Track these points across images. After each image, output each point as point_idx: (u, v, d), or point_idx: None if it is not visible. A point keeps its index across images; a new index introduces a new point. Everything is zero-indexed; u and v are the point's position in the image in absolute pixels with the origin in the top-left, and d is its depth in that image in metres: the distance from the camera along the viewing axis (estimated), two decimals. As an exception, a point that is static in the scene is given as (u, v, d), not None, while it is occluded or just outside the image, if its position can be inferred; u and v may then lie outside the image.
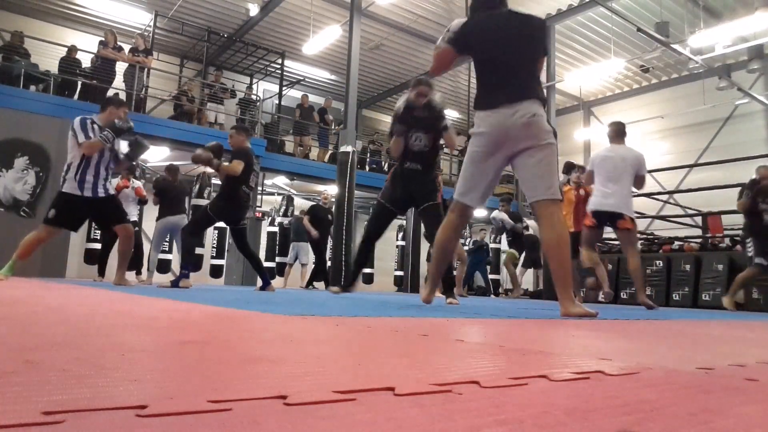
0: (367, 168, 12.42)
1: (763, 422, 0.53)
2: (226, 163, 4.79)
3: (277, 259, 11.04)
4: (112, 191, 4.52)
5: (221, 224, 9.91)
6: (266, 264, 11.02)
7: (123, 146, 4.72)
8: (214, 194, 11.03)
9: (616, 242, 8.51)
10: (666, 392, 0.64)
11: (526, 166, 2.53)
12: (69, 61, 9.07)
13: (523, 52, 2.62)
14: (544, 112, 2.57)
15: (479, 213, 8.81)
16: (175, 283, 4.78)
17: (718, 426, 0.49)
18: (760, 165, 5.62)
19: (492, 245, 11.41)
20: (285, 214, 11.09)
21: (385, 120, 16.61)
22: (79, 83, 8.96)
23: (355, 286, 4.58)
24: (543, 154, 2.51)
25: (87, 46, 10.12)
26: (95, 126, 4.29)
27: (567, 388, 0.64)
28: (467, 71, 13.63)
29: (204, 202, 9.42)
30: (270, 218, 11.43)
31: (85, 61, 9.61)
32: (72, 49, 9.17)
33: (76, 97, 8.79)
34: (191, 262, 5.11)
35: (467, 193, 2.68)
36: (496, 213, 8.35)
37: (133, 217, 6.86)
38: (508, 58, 2.59)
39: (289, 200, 11.32)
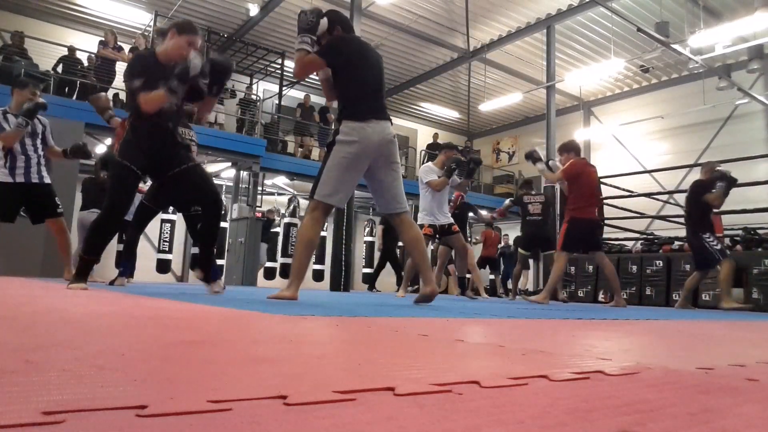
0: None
1: (763, 422, 0.53)
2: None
3: (281, 260, 11.06)
4: (47, 180, 4.35)
5: (221, 224, 9.98)
6: (269, 264, 11.06)
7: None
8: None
9: (616, 242, 8.53)
10: (666, 392, 0.64)
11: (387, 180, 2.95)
12: (70, 61, 9.08)
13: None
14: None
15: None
16: (112, 281, 4.69)
17: (718, 426, 0.49)
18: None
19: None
20: (293, 215, 11.09)
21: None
22: (78, 82, 8.97)
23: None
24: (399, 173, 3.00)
25: (87, 46, 10.12)
26: (8, 116, 4.21)
27: (567, 388, 0.64)
28: (467, 71, 13.64)
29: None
30: (271, 220, 11.42)
31: (84, 60, 9.62)
32: (72, 49, 9.17)
33: (75, 97, 8.80)
34: (129, 259, 4.76)
35: (335, 194, 2.87)
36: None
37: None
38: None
39: (293, 201, 11.32)
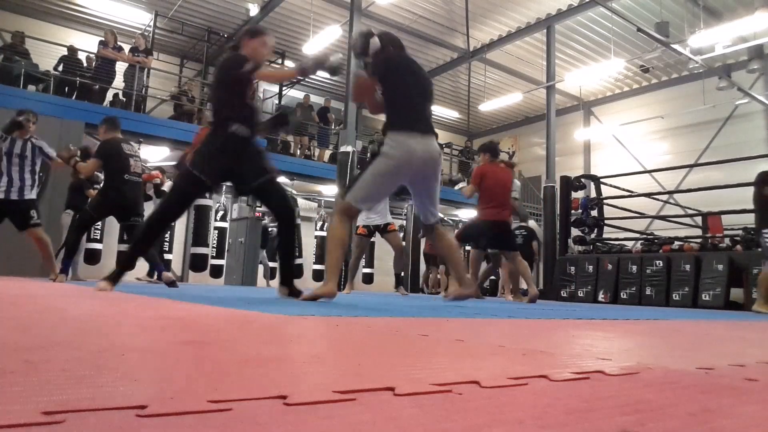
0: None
1: (763, 422, 0.53)
2: (81, 163, 4.78)
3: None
4: (28, 196, 4.76)
5: (221, 224, 10.00)
6: (270, 264, 11.06)
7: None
8: (215, 194, 11.07)
9: (616, 242, 8.53)
10: (666, 392, 0.64)
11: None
12: (70, 61, 9.07)
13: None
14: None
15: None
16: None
17: (718, 426, 0.49)
18: None
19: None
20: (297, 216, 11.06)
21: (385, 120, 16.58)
22: (78, 82, 8.97)
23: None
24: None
25: (87, 46, 10.12)
26: None
27: (567, 388, 0.64)
28: (467, 71, 13.63)
29: (206, 201, 9.44)
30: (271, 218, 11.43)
31: (83, 60, 9.61)
32: (72, 49, 9.17)
33: (74, 96, 8.80)
34: (71, 257, 4.93)
35: (366, 200, 2.99)
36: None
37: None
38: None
39: (294, 202, 11.33)
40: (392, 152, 2.84)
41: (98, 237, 7.92)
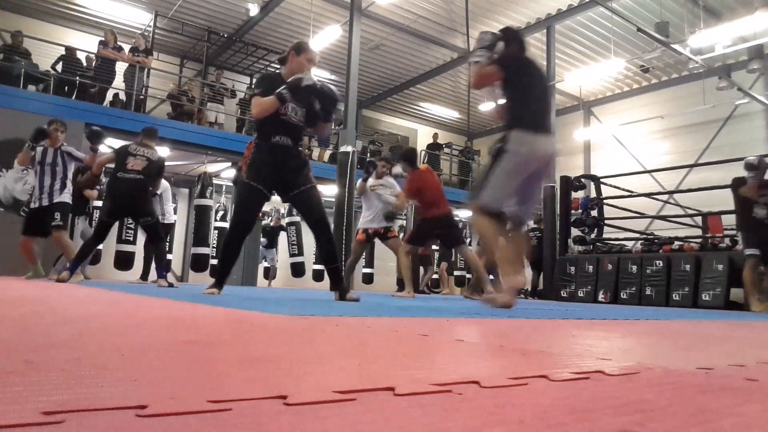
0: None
1: (763, 422, 0.53)
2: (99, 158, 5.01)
3: (290, 260, 11.11)
4: (56, 199, 5.02)
5: (221, 224, 10.00)
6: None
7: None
8: (215, 194, 11.08)
9: (616, 242, 8.53)
10: (666, 392, 0.64)
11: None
12: (69, 60, 9.07)
13: None
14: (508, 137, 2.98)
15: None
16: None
17: (718, 426, 0.49)
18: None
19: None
20: (290, 214, 11.09)
21: (385, 120, 16.61)
22: (77, 82, 8.97)
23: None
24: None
25: (87, 46, 10.12)
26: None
27: (567, 388, 0.64)
28: (467, 71, 13.62)
29: (206, 201, 9.44)
30: (270, 218, 11.44)
31: (83, 60, 9.61)
32: (71, 49, 9.17)
33: (74, 96, 8.80)
34: (80, 261, 4.98)
35: (498, 200, 3.02)
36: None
37: (164, 216, 6.88)
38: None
39: None
40: (519, 149, 2.90)
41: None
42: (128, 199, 4.70)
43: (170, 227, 7.43)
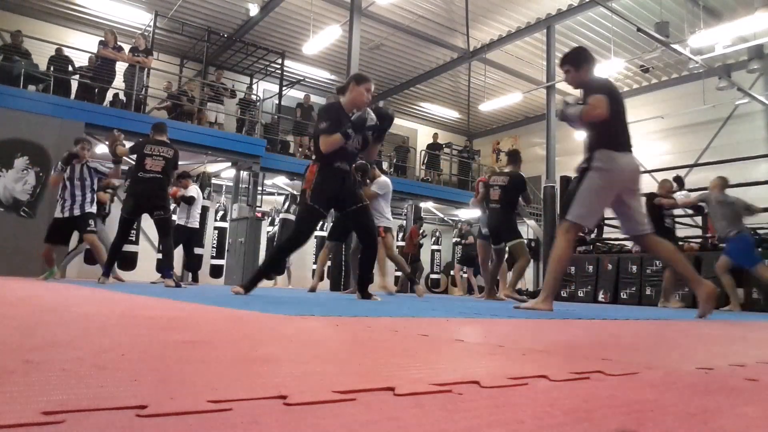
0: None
1: (763, 422, 0.53)
2: (120, 147, 5.19)
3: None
4: (87, 210, 5.55)
5: (220, 224, 9.99)
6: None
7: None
8: (214, 194, 11.07)
9: (616, 242, 8.53)
10: (666, 392, 0.64)
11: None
12: (59, 60, 9.06)
13: None
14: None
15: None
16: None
17: (718, 426, 0.49)
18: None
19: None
20: (287, 211, 11.08)
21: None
22: (74, 82, 8.97)
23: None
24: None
25: (87, 46, 10.11)
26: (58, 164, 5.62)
27: (567, 388, 0.64)
28: (467, 71, 13.63)
29: (205, 202, 9.43)
30: (270, 218, 11.42)
31: (83, 60, 9.60)
32: (59, 49, 9.15)
33: (73, 96, 8.80)
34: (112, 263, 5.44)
35: (589, 216, 3.11)
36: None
37: (183, 220, 7.32)
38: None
39: (293, 198, 11.31)
40: (605, 167, 3.02)
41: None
42: (148, 197, 5.07)
43: (193, 232, 7.58)
